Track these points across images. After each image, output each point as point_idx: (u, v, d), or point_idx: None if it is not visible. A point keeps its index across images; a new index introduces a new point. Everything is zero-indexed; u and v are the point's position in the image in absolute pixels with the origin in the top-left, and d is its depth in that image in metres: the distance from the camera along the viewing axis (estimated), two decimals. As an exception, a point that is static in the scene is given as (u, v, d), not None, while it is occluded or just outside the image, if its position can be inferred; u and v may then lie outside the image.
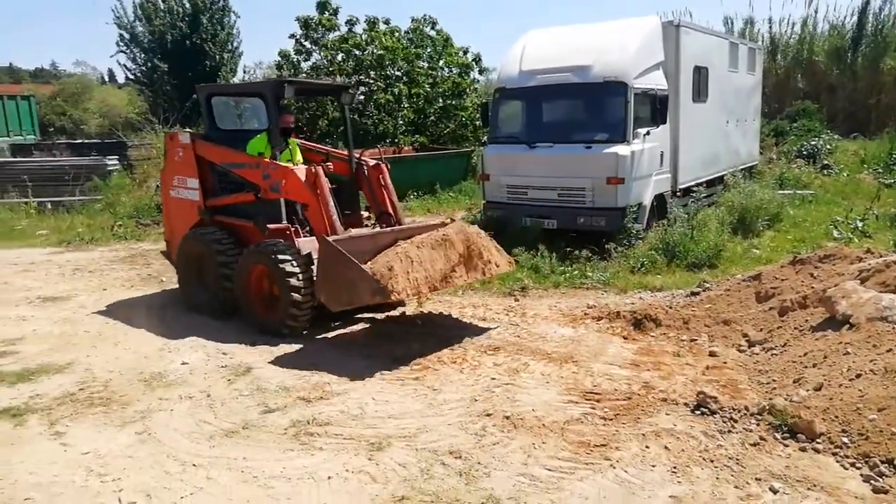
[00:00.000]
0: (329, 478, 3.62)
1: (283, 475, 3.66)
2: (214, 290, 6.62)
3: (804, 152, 16.49)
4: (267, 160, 6.42)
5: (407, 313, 6.75)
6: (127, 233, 11.64)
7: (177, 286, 8.11)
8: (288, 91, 6.41)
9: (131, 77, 27.17)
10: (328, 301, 5.51)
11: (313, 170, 6.13)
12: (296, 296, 5.79)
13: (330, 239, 5.44)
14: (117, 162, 15.33)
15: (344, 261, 5.29)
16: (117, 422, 4.42)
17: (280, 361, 5.45)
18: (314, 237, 6.11)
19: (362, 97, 14.86)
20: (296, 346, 5.84)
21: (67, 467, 3.83)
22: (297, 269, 5.83)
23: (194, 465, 3.82)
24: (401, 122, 16.79)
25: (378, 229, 6.37)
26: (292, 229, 6.26)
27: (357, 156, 7.06)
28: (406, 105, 16.85)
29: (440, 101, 17.60)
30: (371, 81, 16.63)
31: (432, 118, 17.64)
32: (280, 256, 5.87)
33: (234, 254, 6.50)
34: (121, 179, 14.62)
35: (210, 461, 3.85)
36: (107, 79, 49.20)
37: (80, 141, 20.49)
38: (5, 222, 12.53)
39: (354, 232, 6.03)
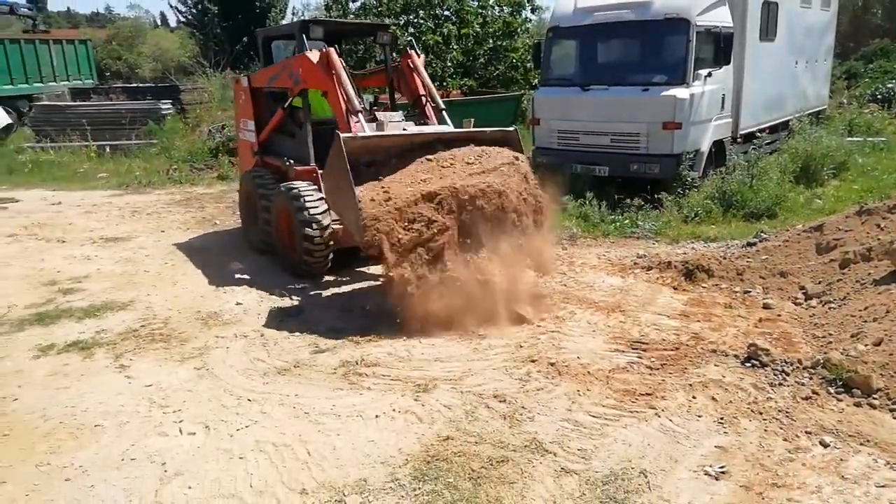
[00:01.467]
0: (377, 416, 3.73)
1: (333, 412, 3.80)
2: (261, 225, 6.84)
3: (878, 96, 15.50)
4: (289, 58, 6.53)
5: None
6: (182, 176, 11.94)
7: (229, 228, 8.38)
8: (314, 31, 6.38)
9: (183, 20, 27.38)
10: (327, 194, 5.51)
11: (324, 50, 6.00)
12: (309, 230, 5.75)
13: (342, 135, 4.92)
14: (171, 106, 15.62)
15: (340, 169, 4.81)
16: (177, 357, 4.64)
17: (330, 303, 5.58)
18: None
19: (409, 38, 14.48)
20: (346, 289, 5.96)
21: (132, 398, 4.05)
22: (311, 210, 5.78)
23: (249, 399, 3.99)
24: (449, 63, 16.43)
25: (403, 129, 5.73)
26: (318, 172, 6.10)
27: (393, 64, 6.82)
28: (455, 46, 16.44)
29: (490, 41, 17.05)
30: (421, 22, 16.25)
31: (482, 60, 17.19)
32: (296, 202, 5.86)
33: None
34: (174, 123, 14.92)
35: (264, 396, 4.02)
36: (159, 22, 49.70)
37: (135, 85, 20.89)
38: (68, 165, 13.01)
39: (371, 128, 5.60)
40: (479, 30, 16.90)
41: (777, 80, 10.76)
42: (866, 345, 4.04)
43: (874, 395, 3.61)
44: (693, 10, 8.25)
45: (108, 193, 10.96)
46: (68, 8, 58.60)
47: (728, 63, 8.79)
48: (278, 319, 5.28)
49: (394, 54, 6.79)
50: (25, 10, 22.47)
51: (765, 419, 3.55)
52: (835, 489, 2.95)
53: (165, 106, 15.38)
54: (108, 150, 13.98)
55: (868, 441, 3.29)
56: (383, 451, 3.39)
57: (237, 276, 6.41)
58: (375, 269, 6.23)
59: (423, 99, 6.27)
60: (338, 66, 5.88)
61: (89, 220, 9.00)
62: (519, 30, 17.52)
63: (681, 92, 8.20)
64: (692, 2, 8.31)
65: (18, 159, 13.26)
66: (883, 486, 2.95)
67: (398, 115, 6.17)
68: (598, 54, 9.46)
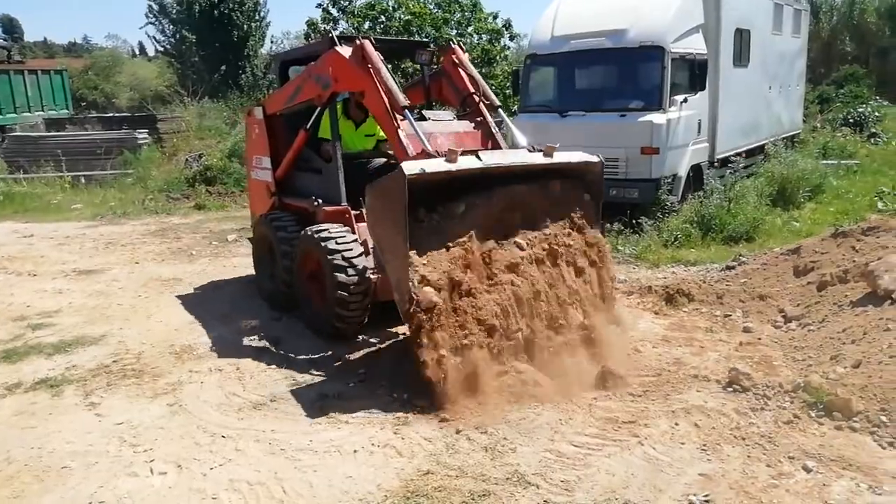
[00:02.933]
0: (355, 451, 3.63)
1: (310, 448, 3.69)
2: (278, 278, 5.90)
3: (850, 120, 15.87)
4: (313, 63, 5.58)
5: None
6: (157, 206, 11.81)
7: (205, 259, 8.26)
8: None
9: (160, 49, 27.50)
10: (367, 208, 4.39)
11: (358, 42, 5.03)
12: (343, 293, 4.85)
13: (407, 171, 3.90)
14: (147, 135, 15.51)
15: (396, 214, 3.91)
16: (149, 393, 4.50)
17: (307, 336, 5.47)
18: None
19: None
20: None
21: (102, 437, 3.91)
22: (345, 254, 4.89)
23: (223, 436, 3.87)
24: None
25: (467, 155, 4.37)
26: (353, 213, 5.31)
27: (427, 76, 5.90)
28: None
29: (469, 69, 17.30)
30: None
31: (460, 87, 17.39)
32: (328, 245, 4.94)
33: (297, 239, 5.56)
34: (151, 153, 14.80)
35: (238, 433, 3.90)
36: (137, 52, 49.73)
37: (111, 115, 20.76)
38: (41, 197, 12.80)
39: (422, 129, 4.73)
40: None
41: (751, 105, 10.97)
42: (846, 367, 4.04)
43: (855, 419, 3.60)
44: (667, 38, 8.40)
45: (81, 225, 10.77)
46: (45, 38, 58.49)
47: (703, 89, 8.94)
48: (255, 352, 5.17)
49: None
50: (1, 41, 22.34)
51: (747, 445, 3.52)
52: (819, 516, 2.91)
53: (142, 135, 15.27)
54: (82, 180, 13.81)
55: (850, 465, 3.26)
56: (361, 488, 3.29)
57: (212, 307, 6.28)
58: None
59: (475, 97, 5.47)
60: (375, 60, 4.96)
61: (62, 253, 8.82)
62: (498, 57, 17.76)
63: (657, 117, 8.31)
64: (666, 29, 8.47)
65: (-10, 191, 13.03)
66: (867, 513, 2.92)
67: (448, 113, 5.54)
68: (576, 81, 9.59)
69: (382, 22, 17.01)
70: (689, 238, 7.85)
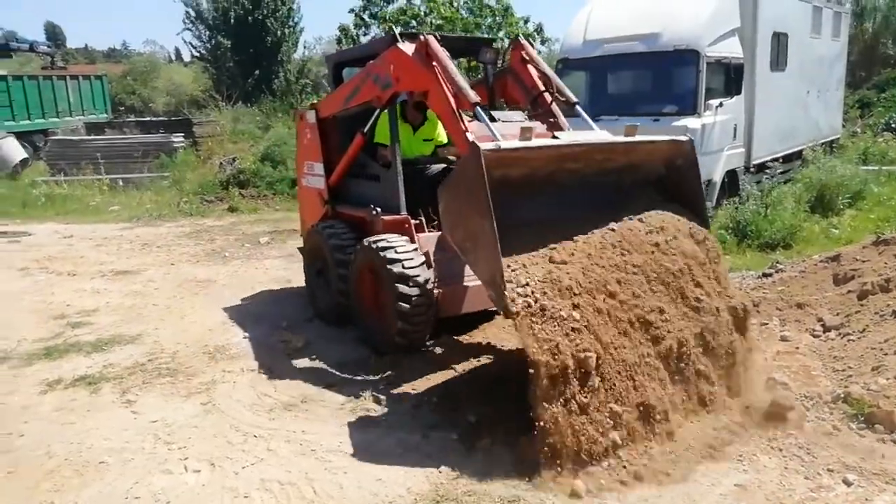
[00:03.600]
0: (385, 453, 3.64)
1: (340, 449, 3.71)
2: (333, 290, 5.52)
3: (892, 125, 15.45)
4: (372, 62, 5.18)
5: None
6: (192, 209, 12.03)
7: (238, 261, 8.37)
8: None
9: (196, 54, 27.97)
10: (444, 215, 3.85)
11: (423, 39, 4.60)
12: (404, 305, 4.54)
13: (482, 146, 3.50)
14: (183, 139, 15.85)
15: (484, 210, 3.38)
16: (183, 392, 4.58)
17: (337, 338, 5.51)
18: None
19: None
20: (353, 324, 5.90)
21: (138, 434, 3.99)
22: (405, 263, 4.58)
23: (255, 436, 3.91)
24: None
25: (550, 138, 4.15)
26: (413, 222, 4.99)
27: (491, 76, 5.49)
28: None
29: (501, 74, 17.28)
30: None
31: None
32: (388, 255, 4.63)
33: (353, 248, 5.25)
34: (186, 156, 15.12)
35: (270, 433, 3.94)
36: (173, 57, 50.80)
37: (148, 119, 21.28)
38: (81, 199, 13.16)
39: (508, 137, 3.97)
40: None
41: (789, 110, 10.74)
42: (888, 378, 3.91)
43: (899, 432, 3.49)
44: (703, 42, 8.28)
45: (119, 226, 11.04)
46: (86, 45, 60.20)
47: (739, 93, 8.79)
48: (286, 353, 5.22)
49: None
50: (45, 47, 23.12)
51: (784, 456, 3.43)
52: (861, 533, 2.82)
53: (177, 139, 15.61)
54: (120, 182, 14.16)
55: (893, 480, 3.16)
56: (391, 490, 3.30)
57: (245, 308, 6.37)
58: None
59: (547, 96, 4.96)
60: (441, 57, 4.53)
61: (100, 253, 9.04)
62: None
63: (692, 122, 8.18)
64: (701, 33, 8.35)
65: (32, 193, 13.42)
66: (912, 530, 2.82)
67: (518, 114, 5.12)
68: (609, 85, 9.50)
69: (414, 27, 17.09)
70: (725, 244, 7.68)
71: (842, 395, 3.84)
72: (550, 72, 5.12)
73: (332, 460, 3.60)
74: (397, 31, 4.98)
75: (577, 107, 5.01)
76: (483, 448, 3.62)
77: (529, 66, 5.13)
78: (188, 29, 26.81)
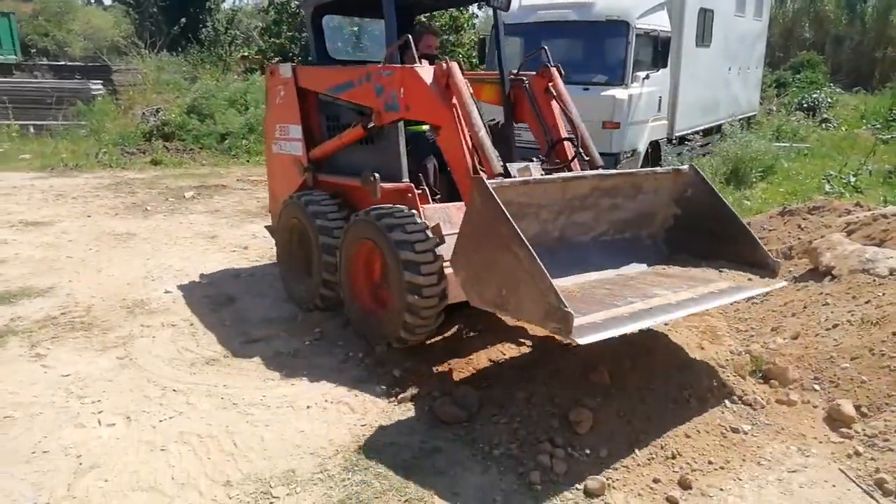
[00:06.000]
0: (308, 407, 3.66)
1: (263, 403, 3.70)
2: (317, 279, 4.74)
3: (804, 105, 16.32)
4: (380, 65, 4.42)
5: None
6: (112, 160, 11.43)
7: (161, 215, 8.06)
8: None
9: (117, -2, 26.15)
10: (465, 284, 3.35)
11: (444, 66, 3.89)
12: (414, 296, 3.79)
13: (488, 181, 3.18)
14: (101, 87, 14.93)
15: (511, 238, 3.00)
16: (98, 346, 4.43)
17: (265, 293, 5.44)
18: (450, 204, 4.20)
19: None
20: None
21: (48, 388, 3.84)
22: (417, 246, 3.80)
23: (174, 390, 3.85)
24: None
25: (565, 172, 3.95)
26: (416, 191, 4.23)
27: (512, 74, 4.88)
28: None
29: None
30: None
31: (427, 54, 17.17)
32: (395, 235, 3.84)
33: (342, 228, 4.45)
34: (105, 105, 14.24)
35: (190, 387, 3.88)
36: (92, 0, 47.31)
37: (63, 63, 19.84)
38: (-13, 145, 12.27)
39: (522, 170, 3.78)
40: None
41: (711, 85, 11.16)
42: (785, 338, 4.23)
43: (790, 386, 3.78)
44: (633, 13, 8.44)
45: (30, 175, 10.38)
46: (-9, -21, 55.06)
47: (665, 66, 9.04)
48: (210, 308, 5.11)
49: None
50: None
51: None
52: (751, 475, 3.08)
53: (96, 86, 14.69)
54: (31, 130, 13.25)
55: (783, 430, 3.44)
56: (313, 442, 3.33)
57: (167, 263, 6.17)
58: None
59: (570, 147, 4.31)
60: (462, 90, 3.86)
61: (8, 203, 8.50)
62: (465, 25, 17.54)
63: (620, 92, 8.38)
64: (632, 5, 8.51)
65: (-70, 138, 12.42)
66: (794, 472, 3.10)
67: (536, 166, 4.12)
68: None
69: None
70: (646, 213, 8.00)
71: (742, 353, 4.12)
72: (579, 119, 4.39)
73: (254, 413, 3.59)
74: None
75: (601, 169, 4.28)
76: (406, 401, 3.70)
77: (554, 103, 4.51)
78: (107, -32, 24.99)
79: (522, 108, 4.74)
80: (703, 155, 10.19)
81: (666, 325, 4.50)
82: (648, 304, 3.35)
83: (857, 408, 3.47)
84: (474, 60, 16.26)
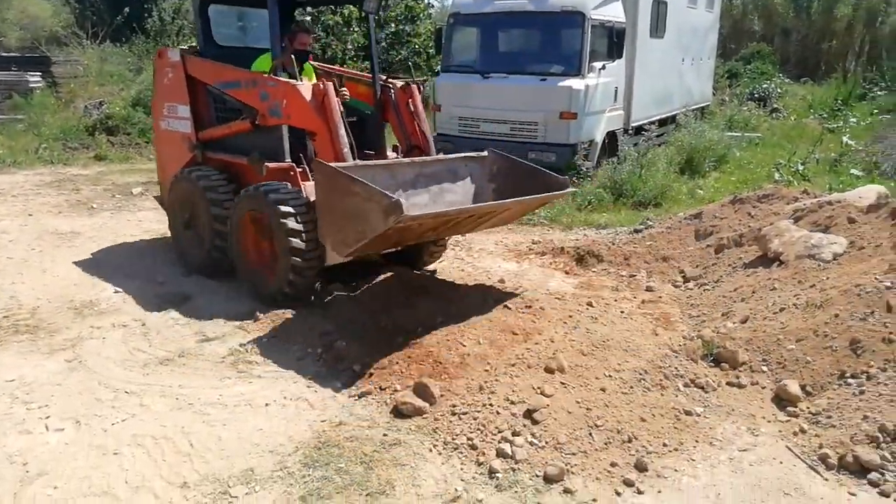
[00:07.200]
0: (266, 405, 3.60)
1: (220, 402, 3.63)
2: (208, 245, 5.39)
3: (755, 95, 16.77)
4: (266, 75, 5.12)
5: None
6: (53, 156, 10.96)
7: (108, 212, 7.81)
8: None
9: (58, -15, 25.08)
10: (334, 245, 4.34)
11: (321, 86, 4.79)
12: (296, 259, 4.60)
13: (330, 163, 4.27)
14: (40, 79, 14.27)
15: (345, 183, 4.02)
16: (45, 349, 4.26)
17: (219, 291, 5.32)
18: None
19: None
20: (233, 276, 5.71)
21: (-9, 395, 3.69)
22: (299, 217, 4.62)
23: (127, 392, 3.74)
24: (350, 46, 16.12)
25: (396, 159, 5.16)
26: (297, 170, 4.97)
27: (383, 78, 5.68)
28: (356, 29, 16.16)
29: (392, 25, 16.94)
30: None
31: (383, 44, 17.03)
32: (281, 207, 4.60)
33: (230, 200, 5.21)
34: (44, 98, 13.62)
35: (143, 388, 3.77)
36: (32, -13, 45.22)
37: (-1, 54, 18.93)
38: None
39: (364, 161, 4.85)
40: (380, 13, 16.65)
41: (665, 76, 11.37)
42: (734, 322, 4.35)
43: (740, 369, 3.90)
44: (589, 4, 8.53)
45: (-35, 173, 9.91)
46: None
47: (621, 57, 9.17)
48: (163, 308, 4.97)
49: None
50: None
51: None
52: (703, 455, 3.16)
53: (34, 78, 14.03)
54: (-36, 124, 12.62)
55: (733, 411, 3.54)
56: (272, 440, 3.28)
57: (116, 262, 5.97)
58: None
59: (417, 151, 5.37)
60: (333, 107, 4.76)
61: (-58, 202, 8.11)
62: (421, 14, 17.44)
63: (576, 83, 8.47)
64: (587, -4, 8.59)
65: None
66: (744, 451, 3.20)
67: (395, 158, 5.32)
68: (499, 43, 9.60)
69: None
70: (602, 202, 8.13)
71: (695, 338, 4.22)
72: (426, 126, 5.49)
73: (210, 413, 3.52)
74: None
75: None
76: (367, 396, 3.67)
77: (413, 119, 5.46)
78: (46, -46, 23.94)
79: (388, 112, 5.58)
80: (659, 145, 10.38)
81: (622, 312, 4.60)
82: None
83: (803, 387, 3.60)
84: (431, 51, 16.22)
